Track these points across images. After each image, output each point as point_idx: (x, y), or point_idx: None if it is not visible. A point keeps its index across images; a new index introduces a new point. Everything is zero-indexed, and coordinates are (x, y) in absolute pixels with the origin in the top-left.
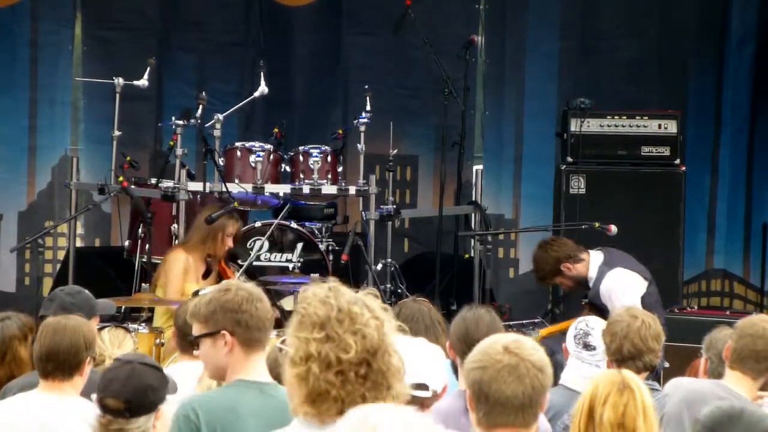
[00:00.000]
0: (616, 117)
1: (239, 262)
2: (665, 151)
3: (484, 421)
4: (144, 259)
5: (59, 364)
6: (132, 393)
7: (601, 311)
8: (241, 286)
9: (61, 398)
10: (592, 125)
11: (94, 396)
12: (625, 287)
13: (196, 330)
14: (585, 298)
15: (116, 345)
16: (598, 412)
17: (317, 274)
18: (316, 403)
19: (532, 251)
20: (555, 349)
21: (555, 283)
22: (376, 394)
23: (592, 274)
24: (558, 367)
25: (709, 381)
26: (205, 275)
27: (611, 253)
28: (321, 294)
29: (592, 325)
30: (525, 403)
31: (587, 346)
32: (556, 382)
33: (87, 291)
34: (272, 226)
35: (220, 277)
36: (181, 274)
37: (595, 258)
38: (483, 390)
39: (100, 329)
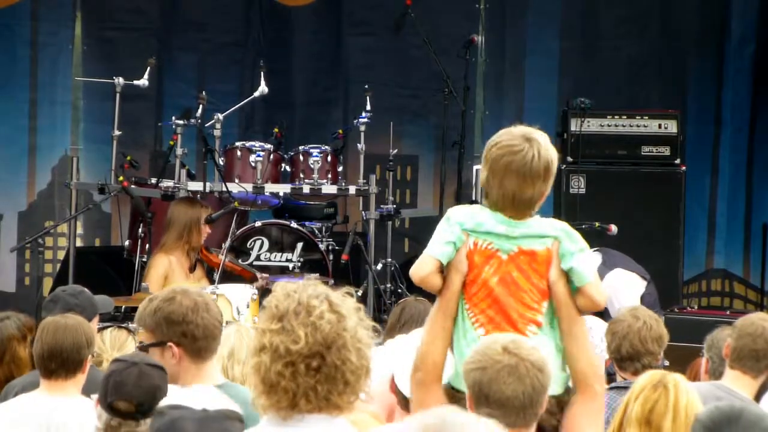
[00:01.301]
0: (616, 117)
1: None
2: (665, 151)
3: None
4: (144, 259)
5: (63, 362)
6: (143, 395)
7: (600, 313)
8: (186, 293)
9: (64, 397)
10: (592, 125)
11: (94, 396)
12: (624, 288)
13: (144, 338)
14: None
15: (116, 348)
16: (630, 407)
17: (317, 274)
18: (270, 394)
19: None
20: None
21: None
22: (330, 388)
23: None
24: None
25: (707, 383)
26: (193, 269)
27: (609, 255)
28: (289, 288)
29: (589, 324)
30: (525, 403)
31: None
32: None
33: (87, 290)
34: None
35: (209, 267)
36: (160, 279)
37: (594, 260)
38: (483, 391)
39: (102, 329)
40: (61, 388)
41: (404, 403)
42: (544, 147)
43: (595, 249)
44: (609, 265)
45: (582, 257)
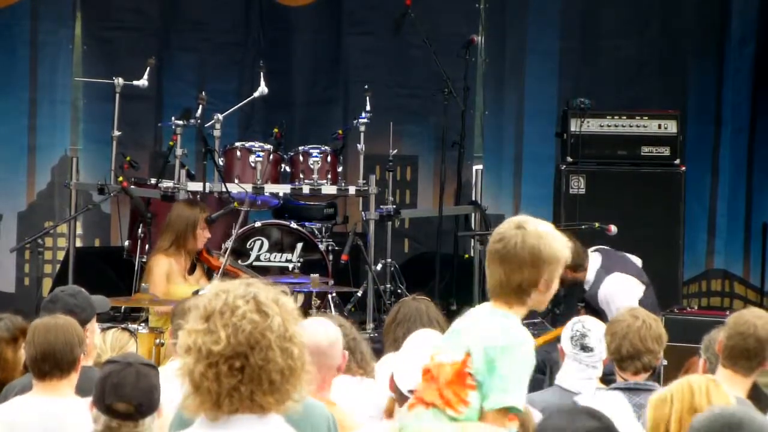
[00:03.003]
0: (616, 117)
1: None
2: (665, 151)
3: None
4: (144, 259)
5: (56, 363)
6: (142, 396)
7: (598, 314)
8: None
9: (59, 398)
10: (592, 125)
11: (88, 399)
12: (623, 292)
13: None
14: (581, 302)
15: (117, 349)
16: (687, 398)
17: (317, 274)
18: (195, 395)
19: None
20: (550, 348)
21: None
22: (253, 388)
23: (590, 277)
24: (554, 366)
25: None
26: (191, 270)
27: (609, 257)
28: (221, 287)
29: (588, 326)
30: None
31: (585, 348)
32: (551, 383)
33: (84, 290)
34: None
35: (209, 269)
36: (163, 278)
37: (593, 261)
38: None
39: (105, 330)
40: (56, 389)
41: (402, 401)
42: (532, 235)
43: (594, 249)
44: (608, 269)
45: (497, 384)
